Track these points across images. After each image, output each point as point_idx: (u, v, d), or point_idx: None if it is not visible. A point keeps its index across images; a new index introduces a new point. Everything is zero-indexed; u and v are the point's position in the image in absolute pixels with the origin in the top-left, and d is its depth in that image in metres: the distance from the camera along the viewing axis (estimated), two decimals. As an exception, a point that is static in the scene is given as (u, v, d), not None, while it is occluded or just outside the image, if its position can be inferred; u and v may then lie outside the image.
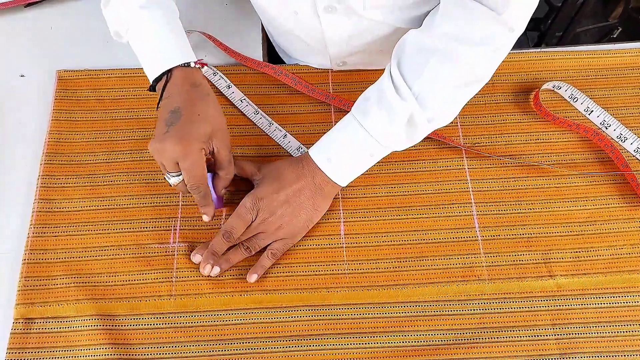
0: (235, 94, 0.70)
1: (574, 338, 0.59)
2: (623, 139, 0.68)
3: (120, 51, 0.74)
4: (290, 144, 0.67)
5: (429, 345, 0.58)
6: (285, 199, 0.59)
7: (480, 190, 0.65)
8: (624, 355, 0.58)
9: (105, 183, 0.65)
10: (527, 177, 0.66)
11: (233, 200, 0.64)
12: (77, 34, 0.76)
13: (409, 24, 0.62)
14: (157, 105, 0.59)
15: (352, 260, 0.62)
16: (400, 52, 0.57)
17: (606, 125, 0.69)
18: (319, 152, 0.60)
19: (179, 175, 0.58)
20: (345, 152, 0.59)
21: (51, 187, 0.65)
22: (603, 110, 0.69)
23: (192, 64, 0.60)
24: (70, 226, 0.63)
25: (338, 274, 0.61)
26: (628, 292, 0.61)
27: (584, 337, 0.59)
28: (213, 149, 0.58)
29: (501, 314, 0.60)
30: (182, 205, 0.64)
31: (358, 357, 0.58)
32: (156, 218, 0.64)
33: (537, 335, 0.59)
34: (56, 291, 0.60)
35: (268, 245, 0.61)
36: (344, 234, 0.63)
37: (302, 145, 0.67)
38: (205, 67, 0.63)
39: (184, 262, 0.62)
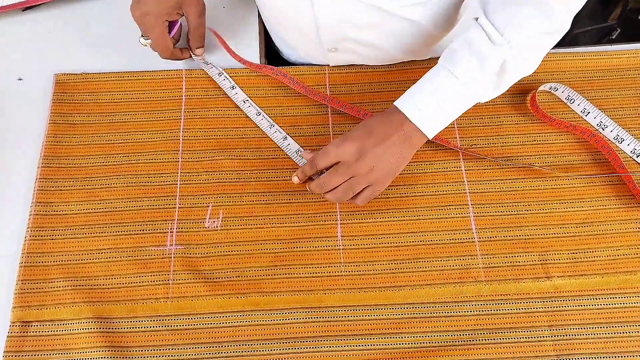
0: (238, 95, 0.70)
1: (571, 339, 0.59)
2: (620, 140, 0.68)
3: (117, 55, 0.74)
4: (290, 146, 0.67)
5: (426, 347, 0.58)
6: (375, 142, 0.58)
7: (477, 192, 0.65)
8: (622, 357, 0.58)
9: (102, 186, 0.65)
10: (524, 178, 0.66)
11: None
12: (75, 37, 0.76)
13: (397, 10, 0.63)
14: None
15: (349, 262, 0.62)
16: (485, 2, 0.57)
17: (603, 127, 0.69)
18: (406, 102, 0.59)
19: (148, 39, 0.68)
20: (434, 102, 0.58)
21: (48, 190, 0.65)
22: (600, 111, 0.69)
23: None
24: (67, 229, 0.63)
25: (335, 275, 0.62)
26: (625, 293, 0.61)
27: (581, 339, 0.59)
28: (183, 15, 0.66)
29: (498, 315, 0.60)
30: (178, 207, 0.64)
31: (355, 359, 0.58)
32: (153, 221, 0.64)
33: (534, 337, 0.59)
34: (53, 294, 0.60)
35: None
36: (341, 236, 0.63)
37: (301, 148, 0.67)
38: (211, 65, 0.67)
39: (181, 265, 0.62)
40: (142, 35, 0.68)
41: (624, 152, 0.67)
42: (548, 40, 0.57)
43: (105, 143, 0.68)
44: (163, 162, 0.67)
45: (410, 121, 0.58)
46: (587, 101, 0.69)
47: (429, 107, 0.58)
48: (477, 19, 0.57)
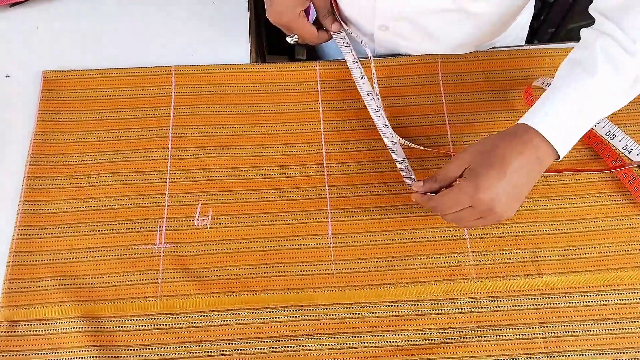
0: (365, 86, 0.67)
1: (561, 336, 0.58)
2: (612, 136, 0.67)
3: (106, 51, 0.73)
4: (397, 152, 0.65)
5: (416, 344, 0.58)
6: (509, 182, 0.52)
7: (468, 189, 0.65)
8: (612, 353, 0.58)
9: (90, 184, 0.65)
10: (515, 175, 0.65)
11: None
12: (63, 34, 0.75)
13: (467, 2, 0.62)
14: None
15: (340, 260, 0.62)
16: (604, 9, 0.55)
17: (595, 123, 0.68)
18: (542, 121, 0.53)
19: (294, 36, 0.70)
20: (570, 118, 0.54)
21: (36, 189, 0.64)
22: (608, 120, 0.68)
23: None
24: (55, 227, 0.63)
25: (325, 273, 0.61)
26: (616, 290, 0.61)
27: (572, 335, 0.59)
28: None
29: (489, 312, 0.59)
30: (167, 205, 0.64)
31: (345, 357, 0.58)
32: (142, 219, 0.63)
33: (525, 334, 0.59)
34: (41, 293, 0.60)
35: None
36: (332, 234, 0.63)
37: (406, 159, 0.64)
38: (350, 48, 0.70)
39: (170, 263, 0.61)
40: (287, 35, 0.71)
41: (617, 149, 0.67)
42: None
43: (93, 140, 0.67)
44: (152, 160, 0.66)
45: (547, 141, 0.53)
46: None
47: (565, 123, 0.53)
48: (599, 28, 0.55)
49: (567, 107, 0.53)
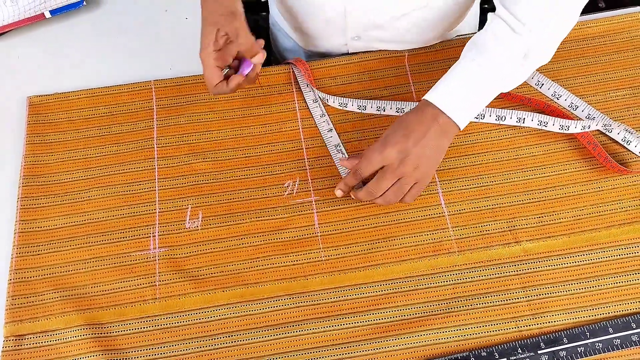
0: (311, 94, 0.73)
1: (543, 298, 0.61)
2: (574, 107, 0.71)
3: (87, 72, 0.76)
4: (332, 139, 0.70)
5: (407, 319, 0.61)
6: (415, 141, 0.60)
7: (444, 169, 0.68)
8: (592, 309, 0.61)
9: (82, 199, 0.67)
10: (486, 152, 0.69)
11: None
12: (44, 60, 0.78)
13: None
14: None
15: (328, 247, 0.65)
16: (508, 1, 0.60)
17: (557, 96, 0.72)
18: (438, 95, 0.61)
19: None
20: (464, 92, 0.61)
21: (31, 208, 0.67)
22: (553, 82, 0.72)
23: None
24: (51, 243, 0.65)
25: (315, 261, 0.64)
26: (591, 249, 0.64)
27: (554, 296, 0.61)
28: (229, 39, 0.61)
29: (473, 282, 0.62)
30: (159, 212, 0.67)
31: (340, 337, 0.60)
32: (135, 227, 0.66)
33: (509, 299, 0.61)
34: (43, 306, 0.62)
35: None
36: (318, 224, 0.66)
37: (341, 143, 0.70)
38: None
39: (166, 266, 0.64)
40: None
41: (580, 118, 0.71)
42: (566, 28, 0.61)
43: (81, 158, 0.70)
44: (140, 171, 0.69)
45: (444, 113, 0.60)
46: (540, 74, 0.73)
47: (460, 98, 0.60)
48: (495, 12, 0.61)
49: (462, 83, 0.61)
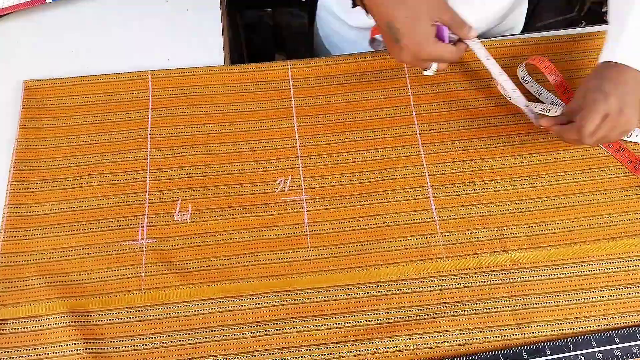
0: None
1: (529, 308, 0.61)
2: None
3: (85, 59, 0.76)
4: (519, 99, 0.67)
5: (392, 322, 0.61)
6: (617, 107, 0.58)
7: (436, 174, 0.68)
8: (577, 322, 0.61)
9: (73, 186, 0.67)
10: (480, 159, 0.69)
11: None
12: (43, 45, 0.78)
13: None
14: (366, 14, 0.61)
15: (316, 247, 0.64)
16: None
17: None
18: (633, 52, 0.59)
19: (430, 68, 0.62)
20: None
21: (21, 192, 0.67)
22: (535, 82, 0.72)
23: None
24: (40, 229, 0.65)
25: (303, 260, 0.64)
26: (579, 262, 0.64)
27: (539, 307, 0.61)
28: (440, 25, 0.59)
29: (459, 289, 0.62)
30: (149, 203, 0.66)
31: (324, 337, 0.60)
32: (124, 217, 0.66)
33: (494, 308, 0.61)
34: (28, 292, 0.62)
35: None
36: (308, 222, 0.66)
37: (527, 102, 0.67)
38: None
39: (153, 257, 0.64)
40: (424, 70, 0.63)
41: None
42: None
43: (74, 145, 0.70)
44: (132, 160, 0.69)
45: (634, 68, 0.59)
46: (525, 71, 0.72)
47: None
48: None
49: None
